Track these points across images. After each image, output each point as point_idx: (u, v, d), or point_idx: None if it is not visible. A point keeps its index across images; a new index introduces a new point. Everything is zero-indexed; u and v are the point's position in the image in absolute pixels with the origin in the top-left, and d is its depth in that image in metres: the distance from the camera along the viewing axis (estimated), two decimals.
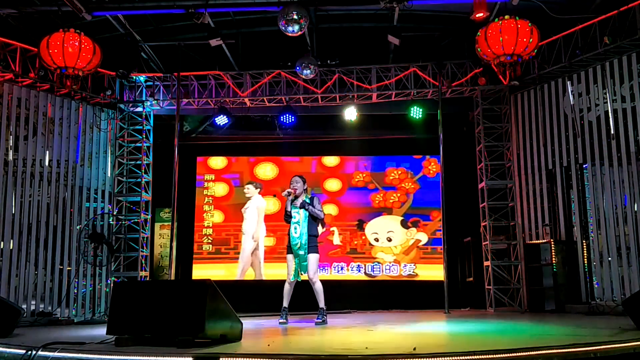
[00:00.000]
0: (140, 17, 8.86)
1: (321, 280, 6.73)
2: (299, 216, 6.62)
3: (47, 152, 9.07)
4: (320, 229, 6.99)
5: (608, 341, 3.73)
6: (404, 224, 11.11)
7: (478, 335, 5.04)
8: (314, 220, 6.67)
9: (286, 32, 7.21)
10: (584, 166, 8.85)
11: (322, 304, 6.66)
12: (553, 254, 8.63)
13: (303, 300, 7.41)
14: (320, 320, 6.55)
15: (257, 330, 5.85)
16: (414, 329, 5.90)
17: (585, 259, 8.65)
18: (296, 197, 6.73)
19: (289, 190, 6.70)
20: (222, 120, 10.14)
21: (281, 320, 6.62)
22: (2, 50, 8.36)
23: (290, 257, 6.69)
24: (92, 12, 7.83)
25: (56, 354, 3.66)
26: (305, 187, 6.80)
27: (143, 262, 9.92)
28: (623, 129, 8.23)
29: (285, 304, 6.74)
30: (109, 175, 9.95)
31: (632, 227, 7.99)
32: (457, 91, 9.91)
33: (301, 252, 6.59)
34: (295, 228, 6.62)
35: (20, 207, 8.65)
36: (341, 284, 10.60)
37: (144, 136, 10.22)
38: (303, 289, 6.98)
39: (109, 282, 9.54)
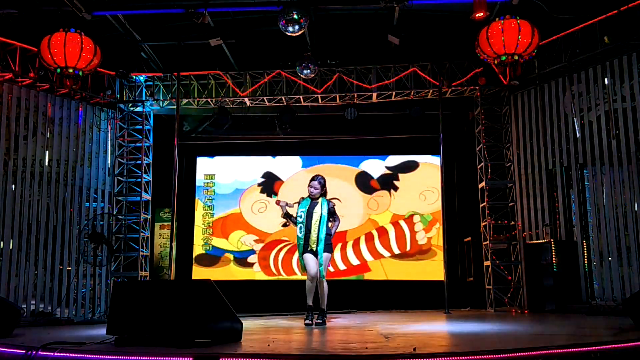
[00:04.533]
0: (140, 17, 8.85)
1: None
2: (305, 216, 6.43)
3: (47, 152, 9.07)
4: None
5: (608, 341, 3.73)
6: (404, 224, 11.11)
7: (478, 335, 5.04)
8: (328, 220, 6.48)
9: (286, 32, 7.21)
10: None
11: (324, 305, 6.55)
12: (553, 254, 8.63)
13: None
14: (321, 321, 6.46)
15: (257, 330, 5.85)
16: (414, 329, 5.90)
17: (585, 259, 8.65)
18: (312, 199, 6.54)
19: (283, 205, 6.56)
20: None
21: (307, 322, 6.36)
22: (2, 50, 8.36)
23: (308, 256, 6.42)
24: (92, 12, 7.83)
25: (56, 354, 3.66)
26: (324, 190, 6.60)
27: (143, 262, 9.92)
28: (623, 129, 8.22)
29: (310, 302, 6.48)
30: (109, 175, 9.96)
31: (632, 227, 7.99)
32: (457, 91, 9.91)
33: (316, 247, 6.35)
34: (301, 228, 6.43)
35: (20, 207, 8.65)
36: (341, 284, 10.60)
37: (144, 136, 10.23)
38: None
39: (109, 282, 9.54)
